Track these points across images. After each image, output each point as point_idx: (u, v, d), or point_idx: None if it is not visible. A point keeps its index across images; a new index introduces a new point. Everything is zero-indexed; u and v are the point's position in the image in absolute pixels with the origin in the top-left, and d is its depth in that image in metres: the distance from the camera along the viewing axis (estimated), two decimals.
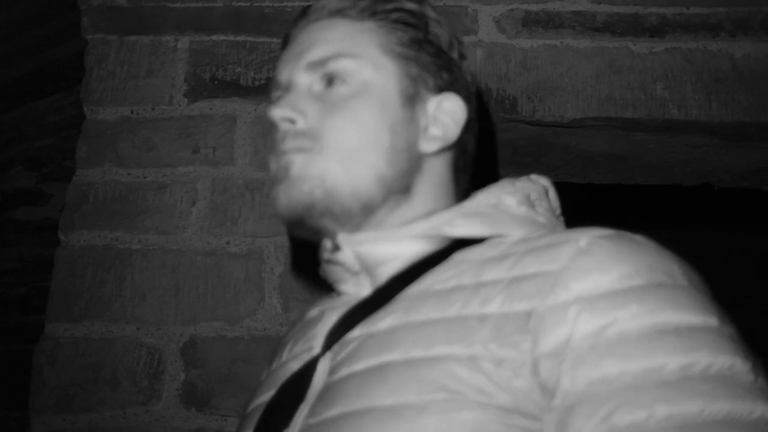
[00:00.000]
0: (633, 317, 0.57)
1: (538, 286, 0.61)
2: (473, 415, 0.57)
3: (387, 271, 0.72)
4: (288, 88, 0.75)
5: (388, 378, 0.62)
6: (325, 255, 0.76)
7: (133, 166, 1.32)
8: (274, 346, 0.86)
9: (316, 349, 0.72)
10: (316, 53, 0.74)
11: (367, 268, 0.73)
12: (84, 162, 1.31)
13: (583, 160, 1.55)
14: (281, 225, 1.29)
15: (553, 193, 0.80)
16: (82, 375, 1.23)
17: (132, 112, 1.35)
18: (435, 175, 0.77)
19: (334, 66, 0.73)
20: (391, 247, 0.72)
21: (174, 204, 1.31)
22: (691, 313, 0.58)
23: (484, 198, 0.75)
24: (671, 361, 0.54)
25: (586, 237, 0.63)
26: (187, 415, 1.23)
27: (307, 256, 1.30)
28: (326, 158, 0.71)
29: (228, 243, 1.30)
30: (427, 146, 0.76)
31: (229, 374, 1.24)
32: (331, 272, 0.77)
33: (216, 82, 1.37)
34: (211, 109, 1.36)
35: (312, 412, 0.65)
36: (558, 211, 0.80)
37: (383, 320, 0.67)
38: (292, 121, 0.73)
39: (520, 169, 1.51)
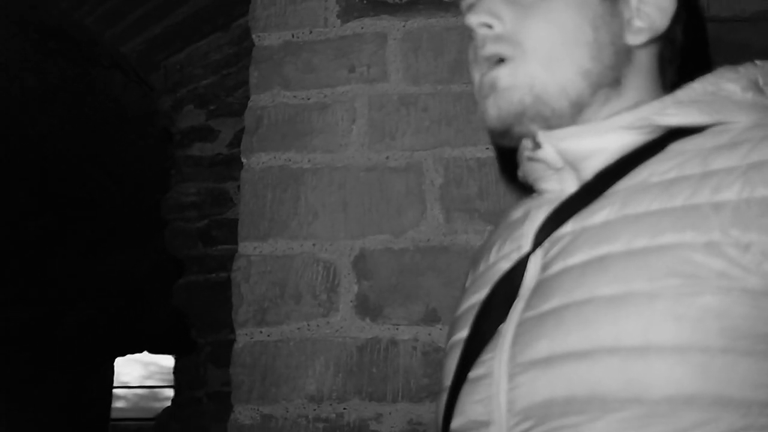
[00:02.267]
0: None
1: None
2: (716, 298, 0.57)
3: (592, 166, 0.72)
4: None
5: (609, 268, 0.62)
6: (526, 153, 0.77)
7: (298, 88, 1.39)
8: (474, 252, 0.89)
9: (526, 247, 0.73)
10: None
11: (570, 163, 0.73)
12: (256, 87, 1.40)
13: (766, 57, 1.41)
14: (438, 137, 1.33)
15: None
16: (272, 290, 1.33)
17: (293, 36, 1.41)
18: (644, 67, 0.76)
19: None
20: (595, 140, 0.72)
21: (336, 123, 1.37)
22: None
23: (700, 86, 0.71)
24: None
25: None
26: (362, 325, 1.30)
27: (465, 168, 1.32)
28: (530, 63, 0.72)
29: (387, 158, 1.34)
30: (634, 38, 0.74)
31: (397, 284, 1.30)
32: (531, 170, 0.78)
33: (365, 2, 1.39)
34: (362, 28, 1.39)
35: (528, 306, 0.67)
36: None
37: (597, 214, 0.67)
38: (489, 26, 0.74)
39: (687, 78, 1.41)
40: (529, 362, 0.64)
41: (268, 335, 1.32)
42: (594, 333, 0.60)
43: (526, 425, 0.62)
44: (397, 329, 1.28)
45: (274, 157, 1.38)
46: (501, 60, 0.74)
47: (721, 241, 0.58)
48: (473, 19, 0.74)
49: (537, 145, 0.74)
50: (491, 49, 0.74)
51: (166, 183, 2.69)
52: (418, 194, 1.32)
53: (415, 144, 1.34)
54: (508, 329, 0.68)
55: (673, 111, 0.69)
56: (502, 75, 0.73)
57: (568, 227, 0.69)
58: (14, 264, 4.83)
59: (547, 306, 0.65)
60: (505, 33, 0.73)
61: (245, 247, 1.35)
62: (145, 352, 7.19)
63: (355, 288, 1.31)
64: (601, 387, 0.58)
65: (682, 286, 0.58)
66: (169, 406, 2.86)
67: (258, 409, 1.28)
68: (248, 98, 1.42)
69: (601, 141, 0.71)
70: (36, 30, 2.62)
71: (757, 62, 0.74)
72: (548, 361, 0.62)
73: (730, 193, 0.60)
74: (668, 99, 0.71)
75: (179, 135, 2.61)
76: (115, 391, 7.78)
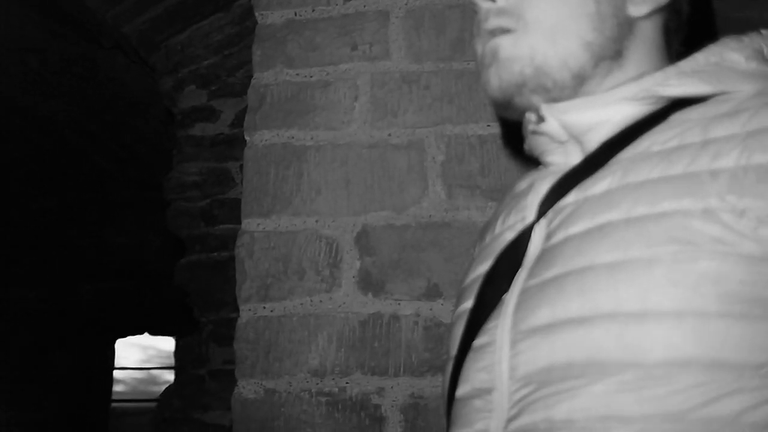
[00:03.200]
0: None
1: None
2: (713, 264, 0.58)
3: (596, 138, 0.72)
4: None
5: (609, 235, 0.63)
6: (530, 127, 0.78)
7: (301, 66, 1.40)
8: (482, 225, 0.90)
9: (530, 217, 0.74)
10: None
11: (574, 136, 0.74)
12: (259, 65, 1.40)
13: None
14: (439, 115, 1.35)
15: None
16: (275, 266, 1.34)
17: (295, 14, 1.41)
18: (647, 38, 0.75)
19: None
20: (598, 112, 0.72)
21: (338, 100, 1.38)
22: None
23: (703, 56, 0.71)
24: None
25: None
26: (365, 301, 1.31)
27: (467, 145, 1.34)
28: (532, 35, 0.72)
29: (390, 135, 1.35)
30: (636, 10, 0.74)
31: (399, 260, 1.31)
32: (536, 144, 0.79)
33: None
34: (365, 6, 1.39)
35: (531, 275, 0.68)
36: None
37: (598, 184, 0.68)
38: (492, 0, 0.74)
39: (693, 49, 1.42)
40: (531, 329, 0.65)
41: (272, 311, 1.33)
42: (593, 299, 0.61)
43: (526, 390, 0.63)
44: (399, 304, 1.30)
45: (277, 135, 1.39)
46: (504, 32, 0.74)
47: (718, 208, 0.59)
48: None
49: (541, 119, 0.75)
50: (494, 22, 0.74)
51: (169, 163, 2.70)
52: (419, 171, 1.33)
53: (417, 121, 1.35)
54: (511, 298, 0.69)
55: (675, 82, 0.69)
56: (504, 44, 0.73)
57: (571, 197, 0.70)
58: (18, 244, 4.85)
59: (548, 274, 0.66)
60: (508, 6, 0.73)
61: (248, 224, 1.37)
62: (146, 334, 7.22)
63: (358, 264, 1.32)
64: (600, 352, 0.59)
65: (680, 253, 0.59)
66: (171, 384, 2.90)
67: (261, 384, 1.30)
68: (250, 78, 1.43)
69: (604, 113, 0.72)
70: (39, 11, 2.62)
71: (763, 31, 0.74)
72: (549, 327, 0.63)
73: (728, 160, 0.61)
74: (671, 70, 0.71)
75: (181, 115, 2.61)
76: (114, 374, 7.81)
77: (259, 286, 1.34)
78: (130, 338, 7.53)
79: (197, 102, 2.59)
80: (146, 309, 5.54)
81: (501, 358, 0.67)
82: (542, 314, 0.64)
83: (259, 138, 1.39)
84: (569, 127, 0.73)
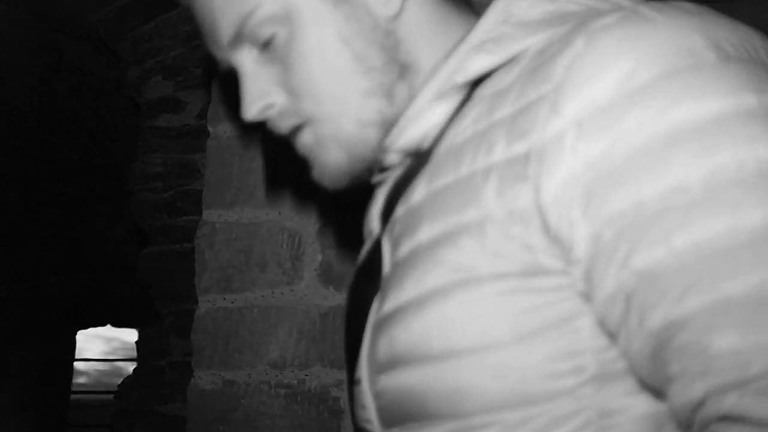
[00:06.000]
0: (639, 127, 0.44)
1: (533, 116, 0.49)
2: (494, 288, 0.50)
3: (428, 145, 0.63)
4: (234, 71, 0.67)
5: (416, 265, 0.56)
6: (377, 177, 0.70)
7: None
8: None
9: (376, 229, 0.67)
10: (226, 32, 0.63)
11: (414, 154, 0.65)
12: None
13: None
14: None
15: None
16: (237, 258, 1.34)
17: None
18: (417, 27, 0.64)
19: (251, 31, 0.62)
20: (417, 124, 0.62)
21: None
22: (716, 97, 0.44)
23: (489, 20, 0.60)
24: (692, 172, 0.43)
25: (583, 35, 0.48)
26: (326, 293, 1.32)
27: None
28: (322, 124, 0.64)
29: None
30: (388, 8, 0.62)
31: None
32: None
33: None
34: None
35: (381, 302, 0.61)
36: None
37: (415, 192, 0.61)
38: (270, 107, 0.65)
39: None
40: (378, 368, 0.60)
41: (232, 302, 1.33)
42: (412, 341, 0.55)
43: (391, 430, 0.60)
44: None
45: (241, 127, 1.38)
46: (298, 129, 0.66)
47: (489, 218, 0.50)
48: (251, 114, 0.65)
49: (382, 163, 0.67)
50: (285, 124, 0.65)
51: (134, 154, 2.67)
52: None
53: None
54: (368, 329, 0.63)
55: (467, 64, 0.59)
56: (307, 143, 0.65)
57: (400, 210, 0.63)
58: None
59: (387, 307, 0.60)
60: (284, 108, 0.65)
61: (210, 215, 1.37)
62: (108, 326, 7.10)
63: (320, 257, 1.33)
64: (427, 401, 0.54)
65: (466, 281, 0.51)
66: (129, 376, 2.87)
67: (220, 375, 1.30)
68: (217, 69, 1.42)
69: (422, 123, 0.62)
70: (3, 0, 2.57)
71: None
72: (390, 366, 0.58)
73: (498, 153, 0.51)
74: (463, 48, 0.60)
75: (146, 106, 2.58)
76: (76, 365, 7.68)
77: (219, 277, 1.34)
78: (93, 330, 7.40)
79: (163, 93, 2.57)
80: (108, 300, 5.47)
81: (369, 398, 0.62)
82: (382, 353, 0.59)
83: (223, 129, 1.39)
84: (407, 150, 0.64)
